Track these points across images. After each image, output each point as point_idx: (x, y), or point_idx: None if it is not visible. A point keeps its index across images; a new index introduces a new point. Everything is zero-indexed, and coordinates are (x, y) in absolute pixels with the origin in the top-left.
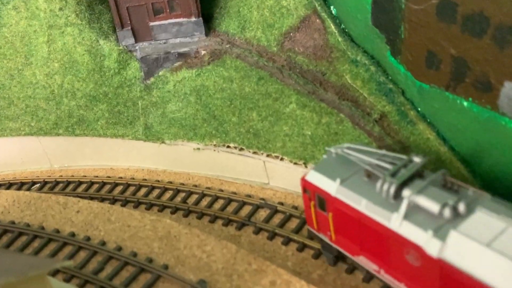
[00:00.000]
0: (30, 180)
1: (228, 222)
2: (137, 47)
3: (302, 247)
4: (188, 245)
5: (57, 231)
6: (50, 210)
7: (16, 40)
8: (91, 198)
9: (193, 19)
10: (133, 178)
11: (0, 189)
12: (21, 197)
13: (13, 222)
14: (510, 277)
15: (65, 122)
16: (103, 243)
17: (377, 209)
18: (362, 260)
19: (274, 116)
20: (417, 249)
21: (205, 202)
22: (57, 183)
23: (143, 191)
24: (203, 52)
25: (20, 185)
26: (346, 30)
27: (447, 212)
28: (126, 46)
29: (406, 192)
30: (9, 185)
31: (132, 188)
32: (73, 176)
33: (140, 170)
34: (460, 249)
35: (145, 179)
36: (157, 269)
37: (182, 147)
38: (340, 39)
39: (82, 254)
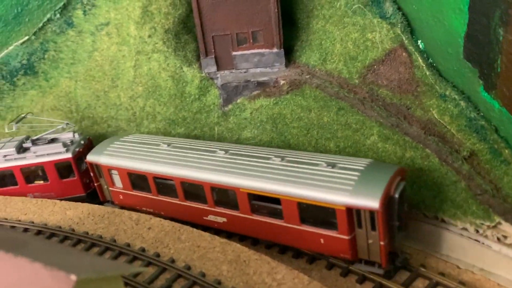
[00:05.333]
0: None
1: (298, 255)
2: (218, 75)
3: (379, 286)
4: (258, 271)
5: (128, 245)
6: (122, 224)
7: (106, 64)
8: None
9: (275, 50)
10: None
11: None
12: (96, 211)
13: (86, 233)
14: None
15: None
16: (173, 261)
17: None
18: None
19: (353, 148)
20: None
21: None
22: None
23: None
24: (282, 82)
25: None
26: (434, 64)
27: None
28: (208, 74)
29: None
30: None
31: None
32: None
33: None
34: None
35: None
36: None
37: None
38: (427, 73)
39: (151, 270)
